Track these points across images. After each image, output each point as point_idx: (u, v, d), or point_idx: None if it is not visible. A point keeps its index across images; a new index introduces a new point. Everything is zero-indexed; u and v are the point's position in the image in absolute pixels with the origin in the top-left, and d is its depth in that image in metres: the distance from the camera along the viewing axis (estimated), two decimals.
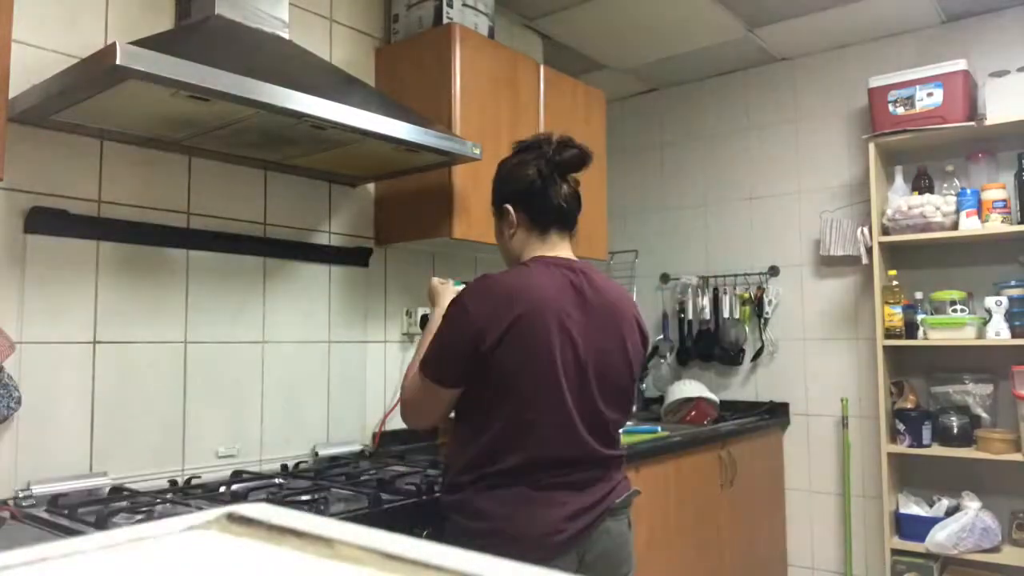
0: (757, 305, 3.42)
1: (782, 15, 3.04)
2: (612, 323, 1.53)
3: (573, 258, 1.58)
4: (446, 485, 1.55)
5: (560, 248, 1.58)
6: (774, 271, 3.45)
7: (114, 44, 1.33)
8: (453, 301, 1.48)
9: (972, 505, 2.76)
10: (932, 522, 2.80)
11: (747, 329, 3.46)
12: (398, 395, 2.45)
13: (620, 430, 1.60)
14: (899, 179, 3.05)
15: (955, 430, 2.85)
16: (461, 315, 1.44)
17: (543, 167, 1.56)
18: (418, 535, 1.59)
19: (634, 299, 3.51)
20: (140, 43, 1.42)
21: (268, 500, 1.66)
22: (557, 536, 1.44)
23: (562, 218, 1.59)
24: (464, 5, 2.42)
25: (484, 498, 1.45)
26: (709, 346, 3.53)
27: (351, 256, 2.38)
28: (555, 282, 1.48)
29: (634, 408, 1.99)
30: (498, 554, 0.78)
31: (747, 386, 3.50)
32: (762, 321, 3.42)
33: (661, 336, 3.71)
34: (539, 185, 1.55)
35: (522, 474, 1.44)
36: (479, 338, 1.40)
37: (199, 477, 1.92)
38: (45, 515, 1.53)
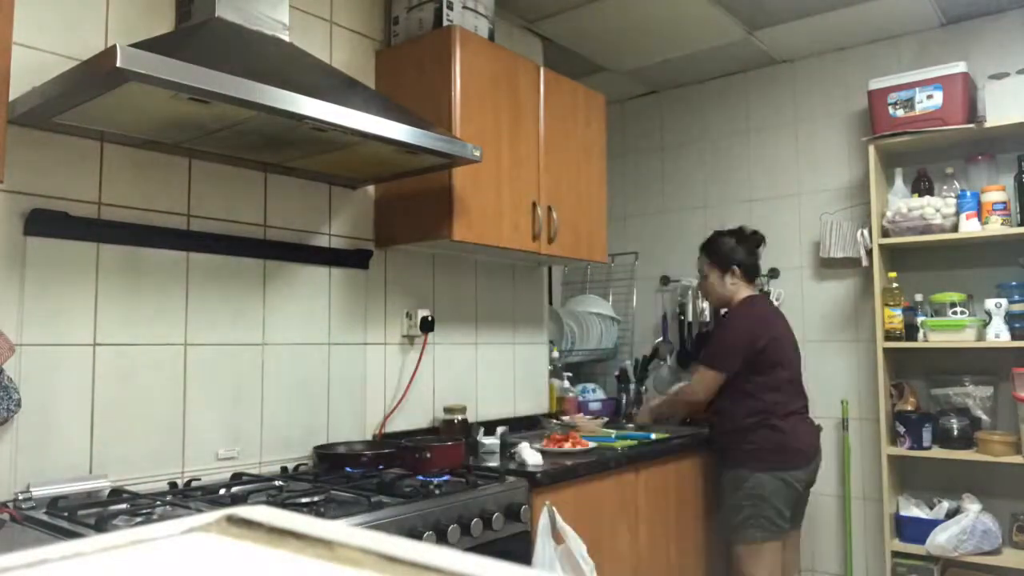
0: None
1: (782, 17, 3.04)
2: (789, 327, 2.73)
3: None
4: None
5: (754, 289, 2.77)
6: (774, 273, 3.45)
7: (114, 46, 1.33)
8: (737, 320, 2.69)
9: (972, 507, 2.75)
10: (932, 524, 2.80)
11: None
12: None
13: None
14: (899, 181, 3.06)
15: (955, 432, 2.85)
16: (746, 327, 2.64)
17: (750, 247, 2.75)
18: (418, 537, 1.59)
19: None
20: (140, 45, 1.42)
21: (268, 502, 1.66)
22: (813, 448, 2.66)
23: (758, 274, 2.83)
24: (464, 7, 2.43)
25: (771, 426, 2.55)
26: None
27: (351, 258, 2.38)
28: (771, 308, 2.82)
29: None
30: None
31: None
32: None
33: (661, 338, 3.70)
34: (750, 259, 2.75)
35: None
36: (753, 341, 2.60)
37: (199, 479, 1.92)
38: (45, 517, 1.53)
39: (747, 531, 2.51)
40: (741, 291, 2.70)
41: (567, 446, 2.39)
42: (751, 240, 2.76)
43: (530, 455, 2.18)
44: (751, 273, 2.75)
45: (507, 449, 2.38)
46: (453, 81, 2.26)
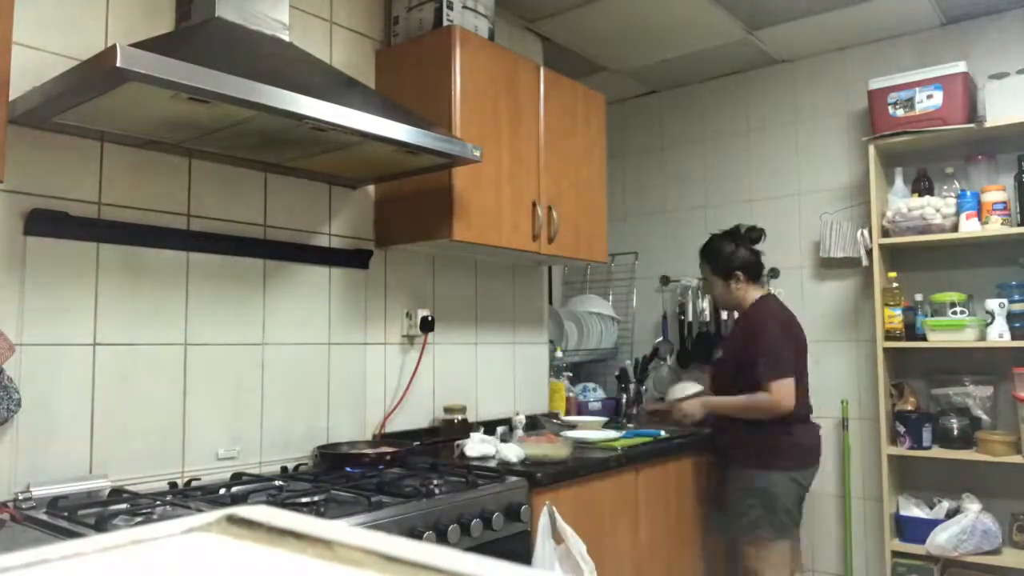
0: None
1: (782, 17, 3.04)
2: (801, 329, 2.72)
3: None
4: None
5: (763, 290, 2.75)
6: (774, 273, 3.45)
7: (114, 46, 1.33)
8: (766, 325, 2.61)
9: (972, 507, 2.75)
10: (932, 524, 2.80)
11: None
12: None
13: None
14: (899, 181, 3.06)
15: (955, 432, 2.85)
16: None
17: (748, 246, 2.72)
18: (418, 537, 1.58)
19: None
20: (140, 45, 1.42)
21: (268, 502, 1.66)
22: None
23: (763, 271, 2.78)
24: (464, 7, 2.43)
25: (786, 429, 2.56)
26: (709, 348, 3.52)
27: (351, 258, 2.38)
28: (788, 312, 2.72)
29: None
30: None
31: None
32: None
33: (661, 338, 3.70)
34: (752, 258, 2.71)
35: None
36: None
37: (199, 479, 1.92)
38: (45, 517, 1.54)
39: (758, 530, 2.52)
40: (750, 293, 2.69)
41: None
42: (749, 238, 2.73)
43: (512, 451, 2.20)
44: (755, 272, 2.71)
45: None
46: (453, 81, 2.26)
